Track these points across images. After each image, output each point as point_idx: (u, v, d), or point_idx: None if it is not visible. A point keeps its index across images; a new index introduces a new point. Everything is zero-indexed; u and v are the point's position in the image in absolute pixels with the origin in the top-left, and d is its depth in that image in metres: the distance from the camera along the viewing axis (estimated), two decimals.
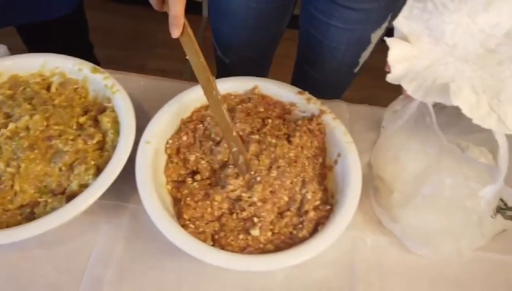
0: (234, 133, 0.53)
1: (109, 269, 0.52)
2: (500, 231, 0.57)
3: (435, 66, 0.42)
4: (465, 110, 0.40)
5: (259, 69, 0.96)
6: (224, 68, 0.92)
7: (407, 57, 0.43)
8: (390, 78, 0.44)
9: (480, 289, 0.56)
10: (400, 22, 0.43)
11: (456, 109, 0.59)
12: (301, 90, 0.61)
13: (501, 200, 0.51)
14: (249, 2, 0.75)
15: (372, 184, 0.61)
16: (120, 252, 0.53)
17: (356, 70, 0.85)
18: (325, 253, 0.55)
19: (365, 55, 0.81)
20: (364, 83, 0.93)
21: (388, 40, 0.43)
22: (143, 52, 1.75)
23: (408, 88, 0.43)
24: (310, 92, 0.69)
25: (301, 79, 0.96)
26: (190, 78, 0.61)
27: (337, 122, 0.58)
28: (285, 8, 0.81)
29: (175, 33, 0.47)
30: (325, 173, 0.58)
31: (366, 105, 0.72)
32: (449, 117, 0.59)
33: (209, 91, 0.50)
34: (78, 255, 0.53)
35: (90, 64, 0.58)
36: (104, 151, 0.54)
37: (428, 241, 0.54)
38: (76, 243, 0.54)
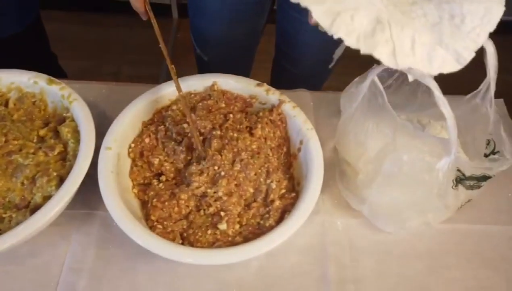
0: (188, 119, 0.55)
1: (83, 278, 0.52)
2: (465, 201, 0.58)
3: None
4: (350, 41, 0.37)
5: (240, 67, 0.96)
6: (204, 67, 0.93)
7: None
8: None
9: (451, 259, 0.57)
10: None
11: (412, 87, 0.60)
12: (259, 82, 0.62)
13: (459, 170, 0.52)
14: None
15: (339, 168, 0.62)
16: (92, 260, 0.54)
17: (331, 66, 0.86)
18: (296, 239, 0.57)
19: (338, 52, 0.82)
20: (336, 71, 0.94)
21: None
22: (115, 60, 1.74)
23: (314, 12, 0.37)
24: (289, 87, 0.70)
25: (280, 74, 0.97)
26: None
27: (297, 111, 0.59)
28: (260, 4, 0.81)
29: (143, 18, 0.54)
30: (290, 161, 0.59)
31: (329, 92, 0.73)
32: (406, 96, 0.60)
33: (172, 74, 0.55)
34: (50, 267, 0.53)
35: (45, 76, 0.58)
36: (67, 161, 0.54)
37: (395, 218, 0.56)
38: (48, 256, 0.54)
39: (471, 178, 0.52)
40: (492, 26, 0.36)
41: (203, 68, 0.93)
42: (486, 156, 0.55)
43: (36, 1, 0.86)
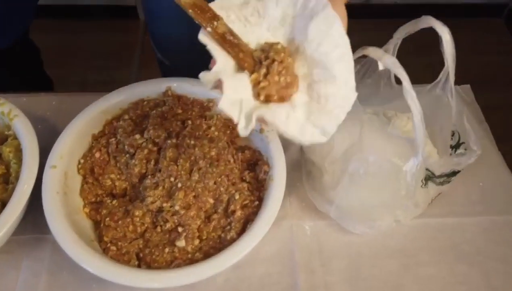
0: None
1: None
2: (435, 195, 0.56)
3: None
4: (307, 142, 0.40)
5: (204, 70, 0.93)
6: (167, 72, 0.89)
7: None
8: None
9: (425, 256, 0.55)
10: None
11: (374, 80, 0.58)
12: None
13: (428, 169, 0.50)
14: None
15: (305, 169, 0.59)
16: (45, 287, 0.50)
17: None
18: (264, 247, 0.54)
19: None
20: None
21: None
22: (82, 67, 1.68)
23: (234, 115, 0.39)
24: None
25: None
26: None
27: None
28: None
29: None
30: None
31: None
32: (369, 89, 0.58)
33: None
34: None
35: None
36: (9, 183, 0.50)
37: (364, 218, 0.53)
38: None
39: (440, 176, 0.50)
40: (349, 107, 0.40)
41: (167, 73, 0.90)
42: (452, 147, 0.53)
43: (24, 18, 0.82)
